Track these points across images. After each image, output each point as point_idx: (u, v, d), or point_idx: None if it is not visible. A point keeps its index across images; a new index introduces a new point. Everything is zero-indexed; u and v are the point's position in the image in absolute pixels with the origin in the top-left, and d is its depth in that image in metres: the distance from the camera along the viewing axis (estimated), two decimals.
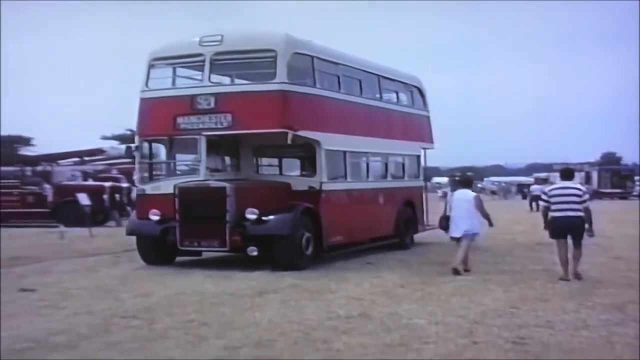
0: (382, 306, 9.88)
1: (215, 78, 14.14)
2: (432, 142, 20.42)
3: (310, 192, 14.43)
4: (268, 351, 7.67)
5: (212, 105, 13.92)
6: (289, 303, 10.07)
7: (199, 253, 14.34)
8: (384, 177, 17.84)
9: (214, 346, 7.84)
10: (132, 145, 14.17)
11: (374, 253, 15.93)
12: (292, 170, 15.88)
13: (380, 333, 8.36)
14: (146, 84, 14.50)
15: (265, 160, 16.05)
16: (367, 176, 16.77)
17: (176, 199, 13.64)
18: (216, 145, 14.42)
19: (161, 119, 14.26)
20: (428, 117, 20.48)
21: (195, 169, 14.21)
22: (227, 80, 14.71)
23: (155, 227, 13.90)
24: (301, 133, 13.88)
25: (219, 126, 13.88)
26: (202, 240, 13.55)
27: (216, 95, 13.95)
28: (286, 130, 13.60)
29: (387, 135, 17.72)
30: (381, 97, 17.76)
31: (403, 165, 18.75)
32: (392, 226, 17.59)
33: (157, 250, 14.04)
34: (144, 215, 14.08)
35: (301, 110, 14.24)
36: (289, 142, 13.62)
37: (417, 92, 20.08)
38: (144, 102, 14.47)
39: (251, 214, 13.35)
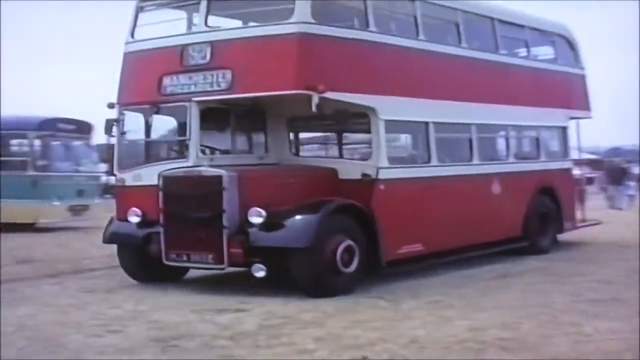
0: None
1: (213, 21, 10.06)
2: (587, 109, 15.23)
3: (364, 182, 10.08)
4: None
5: (207, 58, 9.87)
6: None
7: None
8: (503, 157, 13.03)
9: None
10: (112, 118, 10.33)
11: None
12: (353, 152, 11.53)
13: None
14: (132, 34, 10.62)
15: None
16: (471, 157, 12.10)
17: (160, 193, 9.78)
18: (223, 117, 10.36)
19: (145, 80, 10.34)
20: (582, 77, 15.28)
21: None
22: (230, 24, 10.59)
23: (136, 231, 10.10)
24: (335, 96, 9.53)
25: (215, 88, 9.80)
26: (193, 253, 9.57)
27: (212, 44, 9.83)
28: (307, 92, 9.32)
29: (510, 101, 12.88)
30: (497, 49, 12.88)
31: (537, 140, 13.80)
32: (518, 225, 12.81)
33: (144, 264, 10.22)
34: (123, 215, 10.29)
35: (334, 63, 9.82)
36: (313, 109, 9.31)
37: (564, 43, 14.95)
38: (127, 58, 10.61)
39: (256, 216, 9.19)
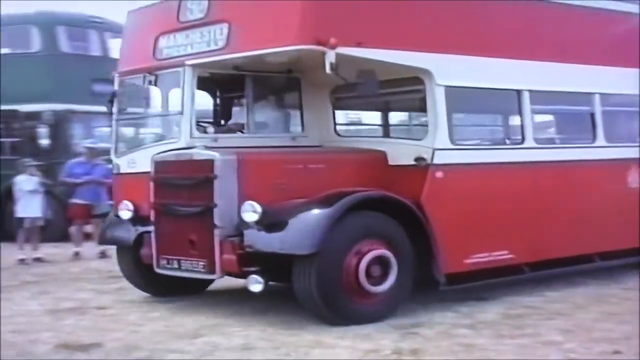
0: None
1: None
2: None
3: (419, 169, 7.60)
4: None
5: (204, 12, 7.68)
6: None
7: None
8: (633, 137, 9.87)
9: None
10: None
11: None
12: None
13: None
14: None
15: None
16: (594, 137, 9.18)
17: (151, 182, 7.76)
18: (239, 86, 8.16)
19: (142, 43, 8.22)
20: None
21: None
22: None
23: (128, 230, 8.12)
24: (362, 53, 7.09)
25: (212, 47, 7.57)
26: (183, 258, 7.44)
27: None
28: (317, 48, 6.96)
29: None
30: None
31: None
32: (635, 232, 9.27)
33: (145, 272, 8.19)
34: (116, 209, 8.31)
35: (363, 9, 7.29)
36: (327, 70, 6.93)
37: None
38: (129, 18, 8.61)
39: (249, 212, 6.96)
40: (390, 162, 7.89)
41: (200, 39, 7.63)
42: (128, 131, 8.85)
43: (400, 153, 7.82)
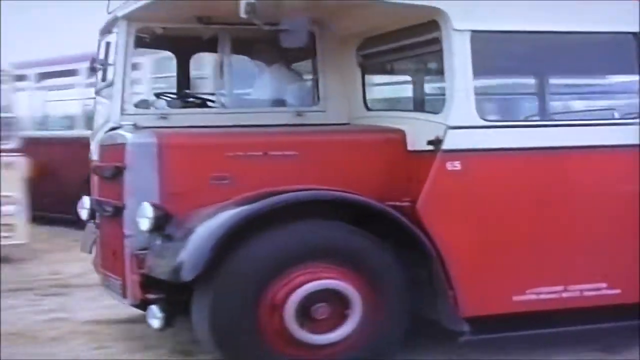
0: None
1: None
2: None
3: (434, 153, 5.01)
4: None
5: None
6: None
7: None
8: None
9: None
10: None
11: None
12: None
13: None
14: None
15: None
16: None
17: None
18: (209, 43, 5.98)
19: None
20: None
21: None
22: None
23: (89, 233, 6.37)
24: None
25: None
26: (109, 274, 5.57)
27: None
28: None
29: None
30: None
31: None
32: None
33: None
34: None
35: None
36: (242, 14, 4.64)
37: None
38: None
39: (145, 214, 4.93)
40: (409, 147, 5.37)
41: None
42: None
43: (419, 133, 5.26)
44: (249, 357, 4.59)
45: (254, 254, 4.58)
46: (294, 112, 6.02)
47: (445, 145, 4.90)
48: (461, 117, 4.94)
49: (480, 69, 5.02)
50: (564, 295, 5.16)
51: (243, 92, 6.24)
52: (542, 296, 5.12)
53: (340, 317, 4.69)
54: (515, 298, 5.07)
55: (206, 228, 4.62)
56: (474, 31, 4.94)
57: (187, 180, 5.13)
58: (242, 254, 4.56)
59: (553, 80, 6.46)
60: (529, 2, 5.10)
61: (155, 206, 4.88)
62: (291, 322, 4.58)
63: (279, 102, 6.20)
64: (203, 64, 7.09)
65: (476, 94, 5.01)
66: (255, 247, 4.59)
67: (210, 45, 6.01)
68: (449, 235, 4.85)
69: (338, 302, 4.69)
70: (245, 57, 6.32)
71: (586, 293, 5.20)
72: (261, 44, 6.13)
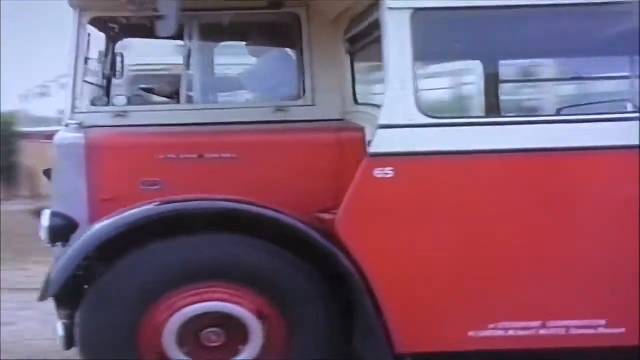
0: None
1: None
2: None
3: None
4: None
5: None
6: None
7: None
8: None
9: None
10: None
11: None
12: None
13: None
14: None
15: None
16: None
17: None
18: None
19: None
20: None
21: None
22: None
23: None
24: None
25: None
26: None
27: None
28: None
29: None
30: None
31: None
32: None
33: None
34: None
35: None
36: None
37: None
38: None
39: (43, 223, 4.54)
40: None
41: None
42: None
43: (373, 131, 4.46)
44: None
45: (132, 270, 4.06)
46: (274, 107, 5.34)
47: (372, 148, 4.09)
48: (396, 113, 4.09)
49: (423, 56, 4.15)
50: (542, 332, 4.18)
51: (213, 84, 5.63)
52: (511, 333, 4.17)
53: (233, 345, 4.07)
54: (472, 334, 4.16)
55: (80, 242, 4.15)
56: (415, 9, 4.08)
57: (117, 185, 4.69)
58: (120, 270, 4.05)
59: (510, 69, 5.34)
60: None
61: (56, 215, 4.48)
62: (171, 347, 4.01)
63: (259, 97, 5.57)
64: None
65: (419, 87, 4.14)
66: (137, 262, 4.07)
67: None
68: (376, 255, 4.05)
69: (237, 330, 4.06)
70: (216, 45, 5.71)
71: (574, 331, 4.19)
72: (235, 29, 5.53)
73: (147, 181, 4.65)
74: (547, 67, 6.16)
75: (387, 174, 4.05)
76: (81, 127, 4.98)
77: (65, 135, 4.84)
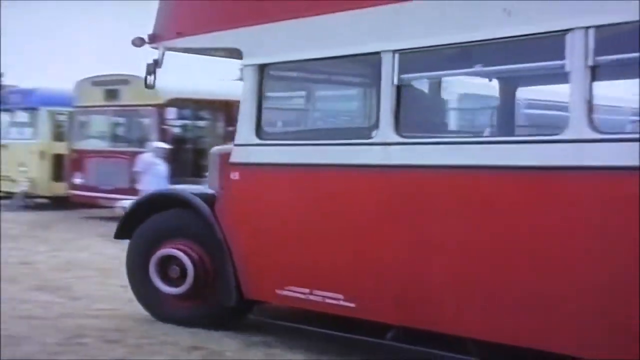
0: None
1: None
2: None
3: None
4: None
5: None
6: None
7: None
8: None
9: None
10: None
11: None
12: None
13: None
14: None
15: None
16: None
17: None
18: None
19: None
20: None
21: None
22: None
23: None
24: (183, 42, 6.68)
25: None
26: None
27: None
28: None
29: None
30: None
31: None
32: None
33: None
34: None
35: None
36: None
37: None
38: None
39: None
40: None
41: None
42: None
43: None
44: (140, 285, 6.95)
45: (149, 226, 6.99)
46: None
47: (230, 159, 6.23)
48: (242, 137, 6.15)
49: (268, 95, 6.10)
50: (311, 297, 5.73)
51: None
52: (295, 294, 5.83)
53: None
54: (278, 291, 5.95)
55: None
56: (262, 65, 6.05)
57: None
58: (145, 225, 7.01)
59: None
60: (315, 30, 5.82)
61: None
62: (154, 275, 6.76)
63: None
64: None
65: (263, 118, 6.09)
66: (151, 222, 6.99)
67: None
68: (231, 229, 6.20)
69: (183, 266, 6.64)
70: None
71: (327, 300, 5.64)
72: None
73: None
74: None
75: (235, 176, 6.18)
76: None
77: None
